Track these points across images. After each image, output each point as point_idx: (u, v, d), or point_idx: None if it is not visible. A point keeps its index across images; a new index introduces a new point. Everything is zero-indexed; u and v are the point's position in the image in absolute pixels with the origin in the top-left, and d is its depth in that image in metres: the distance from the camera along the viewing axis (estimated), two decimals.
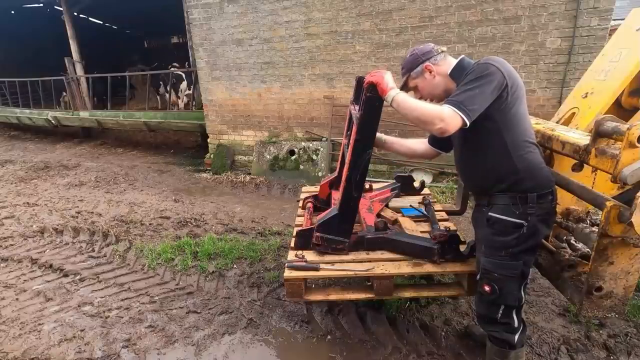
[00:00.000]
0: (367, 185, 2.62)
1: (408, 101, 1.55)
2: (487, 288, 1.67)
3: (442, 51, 1.69)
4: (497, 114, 1.52)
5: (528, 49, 4.39)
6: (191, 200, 4.94)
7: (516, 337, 1.72)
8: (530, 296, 2.63)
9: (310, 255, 2.08)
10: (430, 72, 1.68)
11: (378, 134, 2.08)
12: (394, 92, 1.60)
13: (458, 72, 1.63)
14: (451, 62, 1.68)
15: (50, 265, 3.27)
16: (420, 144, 2.15)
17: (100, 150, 8.31)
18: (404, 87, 1.77)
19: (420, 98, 1.77)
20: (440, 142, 2.00)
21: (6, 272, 3.25)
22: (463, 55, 1.69)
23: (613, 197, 1.51)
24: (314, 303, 2.54)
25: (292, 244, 2.19)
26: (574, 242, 1.93)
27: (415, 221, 2.42)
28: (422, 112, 1.50)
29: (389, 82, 1.64)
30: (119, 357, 2.25)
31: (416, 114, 1.51)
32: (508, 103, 1.51)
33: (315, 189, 2.81)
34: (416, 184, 2.82)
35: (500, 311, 1.68)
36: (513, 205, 1.58)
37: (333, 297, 2.10)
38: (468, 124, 1.46)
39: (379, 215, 2.44)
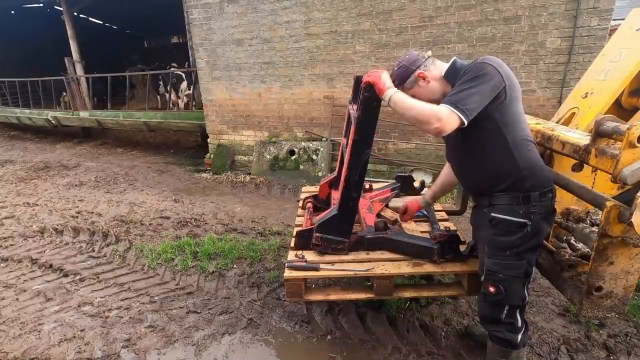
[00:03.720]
0: (367, 185, 2.62)
1: (405, 101, 1.55)
2: (492, 289, 1.66)
3: (429, 56, 1.67)
4: (496, 113, 1.51)
5: (528, 49, 4.39)
6: (191, 200, 4.94)
7: (519, 336, 1.72)
8: (530, 296, 2.63)
9: (310, 255, 2.08)
10: (425, 79, 1.65)
11: (418, 198, 2.24)
12: (391, 92, 1.60)
13: (452, 75, 1.61)
14: (442, 65, 1.67)
15: (50, 265, 3.27)
16: (450, 169, 2.06)
17: (100, 150, 8.31)
18: None
19: None
20: None
21: (6, 272, 3.25)
22: (455, 57, 1.67)
23: (613, 197, 1.51)
24: (314, 303, 2.54)
25: (292, 244, 2.19)
26: (574, 242, 1.93)
27: (415, 221, 2.42)
28: (418, 112, 1.49)
29: (386, 81, 1.64)
30: (119, 357, 2.25)
31: (413, 113, 1.51)
32: (506, 103, 1.50)
33: (315, 189, 2.81)
34: (416, 184, 2.82)
35: (505, 311, 1.68)
36: (516, 204, 1.58)
37: (333, 297, 2.10)
38: (466, 123, 1.45)
39: (379, 215, 2.44)
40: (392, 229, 2.21)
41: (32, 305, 2.76)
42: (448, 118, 1.44)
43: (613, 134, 1.37)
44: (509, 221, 1.59)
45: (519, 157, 1.55)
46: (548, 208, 1.60)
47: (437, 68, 1.66)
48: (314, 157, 5.61)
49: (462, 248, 2.03)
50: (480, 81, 1.46)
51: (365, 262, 2.04)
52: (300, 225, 2.40)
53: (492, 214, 1.64)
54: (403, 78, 1.68)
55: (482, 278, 1.74)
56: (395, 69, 1.71)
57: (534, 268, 1.72)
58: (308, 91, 5.63)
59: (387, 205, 2.63)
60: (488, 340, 1.82)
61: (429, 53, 1.68)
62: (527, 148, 1.57)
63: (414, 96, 1.71)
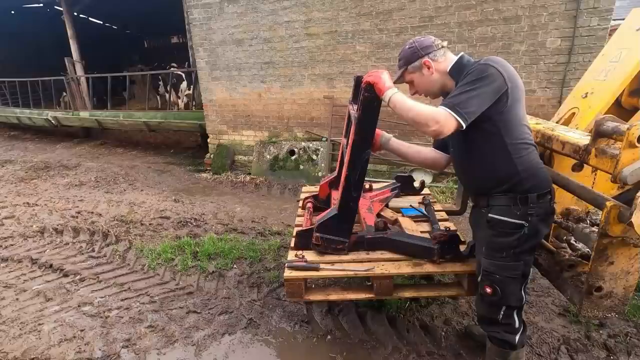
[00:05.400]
0: (367, 185, 2.62)
1: (405, 102, 1.54)
2: (488, 289, 1.66)
3: (443, 46, 1.65)
4: (496, 116, 1.51)
5: (528, 49, 4.39)
6: (191, 200, 4.93)
7: (517, 337, 1.72)
8: (530, 296, 2.63)
9: (310, 255, 2.08)
10: (429, 69, 1.65)
11: (384, 133, 2.05)
12: (391, 92, 1.60)
13: (457, 71, 1.61)
14: (451, 59, 1.65)
15: (50, 265, 3.27)
16: (430, 152, 2.04)
17: (100, 150, 8.31)
18: (400, 80, 1.74)
19: (415, 93, 1.76)
20: (445, 146, 1.94)
21: (6, 272, 3.24)
22: (462, 53, 1.66)
23: (613, 197, 1.51)
24: (314, 303, 2.54)
25: (292, 244, 2.19)
26: (574, 242, 1.93)
27: (415, 221, 2.42)
28: (417, 113, 1.49)
29: (387, 81, 1.64)
30: (119, 357, 2.25)
31: (412, 114, 1.50)
32: (508, 106, 1.49)
33: (315, 189, 2.81)
34: (416, 184, 2.82)
35: (502, 312, 1.68)
36: (513, 206, 1.58)
37: (333, 297, 2.10)
38: (464, 126, 1.45)
39: (379, 215, 2.44)
40: (392, 229, 2.21)
41: (32, 305, 2.76)
42: (446, 121, 1.44)
43: (613, 134, 1.37)
44: (506, 222, 1.59)
45: (517, 160, 1.55)
46: (546, 210, 1.60)
47: (446, 61, 1.65)
48: (314, 157, 5.61)
49: (462, 248, 2.03)
50: (482, 83, 1.45)
51: (365, 262, 2.03)
52: (300, 225, 2.40)
53: (489, 215, 1.63)
54: (409, 60, 1.68)
55: (479, 278, 1.74)
56: (406, 47, 1.70)
57: (531, 269, 1.72)
58: (308, 91, 5.63)
59: (387, 205, 2.63)
60: (487, 341, 1.82)
61: (445, 43, 1.67)
62: (527, 150, 1.56)
63: (412, 81, 1.72)
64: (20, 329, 2.50)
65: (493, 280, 1.65)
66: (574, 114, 1.97)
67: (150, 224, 4.09)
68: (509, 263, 1.61)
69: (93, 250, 3.54)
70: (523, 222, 1.56)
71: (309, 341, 2.32)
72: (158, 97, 10.54)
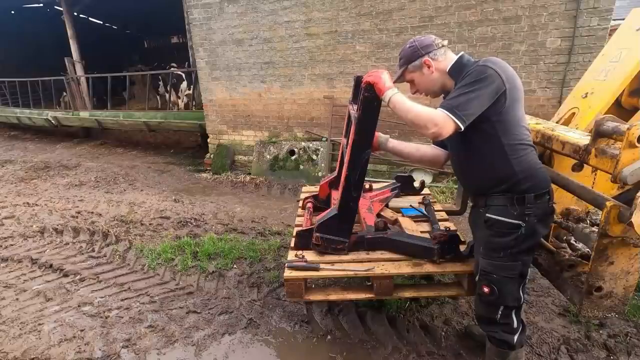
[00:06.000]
0: (367, 185, 2.62)
1: (404, 103, 1.54)
2: (486, 289, 1.66)
3: (443, 45, 1.65)
4: (494, 117, 1.51)
5: (528, 49, 4.39)
6: (191, 200, 4.94)
7: (515, 337, 1.72)
8: (530, 296, 2.63)
9: (310, 255, 2.08)
10: (429, 68, 1.65)
11: (381, 134, 2.05)
12: (391, 92, 1.60)
13: (457, 71, 1.60)
14: (451, 58, 1.65)
15: (50, 265, 3.27)
16: (429, 149, 2.03)
17: (100, 150, 8.31)
18: (400, 79, 1.74)
19: (416, 92, 1.76)
20: (444, 144, 1.92)
21: (6, 272, 3.24)
22: (462, 52, 1.66)
23: (613, 197, 1.51)
24: (314, 303, 2.54)
25: (292, 244, 2.19)
26: (574, 242, 1.93)
27: (415, 221, 2.42)
28: (416, 115, 1.49)
29: (387, 81, 1.64)
30: (119, 357, 2.25)
31: (411, 116, 1.51)
32: (506, 106, 1.49)
33: (315, 189, 2.81)
34: (416, 184, 2.82)
35: (500, 312, 1.68)
36: (510, 206, 1.58)
37: (333, 297, 2.10)
38: (462, 128, 1.45)
39: (379, 215, 2.44)
40: (392, 229, 2.21)
41: (32, 305, 2.76)
42: (444, 123, 1.44)
43: (613, 134, 1.37)
44: (503, 222, 1.59)
45: (515, 160, 1.55)
46: (544, 210, 1.59)
47: (446, 60, 1.65)
48: (314, 157, 5.61)
49: (462, 248, 2.03)
50: (480, 85, 1.45)
51: (365, 262, 2.04)
52: (300, 225, 2.40)
53: (487, 215, 1.64)
54: (409, 59, 1.67)
55: (477, 278, 1.74)
56: (407, 46, 1.70)
57: (531, 269, 1.71)
58: (308, 91, 5.63)
59: (387, 205, 2.63)
60: (486, 341, 1.83)
61: (445, 42, 1.67)
62: (525, 151, 1.56)
63: (413, 80, 1.72)
64: (20, 329, 2.50)
65: (491, 280, 1.65)
66: (574, 114, 1.97)
67: (150, 224, 4.09)
68: (507, 263, 1.61)
69: (93, 250, 3.54)
70: (520, 222, 1.56)
71: (309, 341, 2.33)
72: (158, 97, 10.54)
